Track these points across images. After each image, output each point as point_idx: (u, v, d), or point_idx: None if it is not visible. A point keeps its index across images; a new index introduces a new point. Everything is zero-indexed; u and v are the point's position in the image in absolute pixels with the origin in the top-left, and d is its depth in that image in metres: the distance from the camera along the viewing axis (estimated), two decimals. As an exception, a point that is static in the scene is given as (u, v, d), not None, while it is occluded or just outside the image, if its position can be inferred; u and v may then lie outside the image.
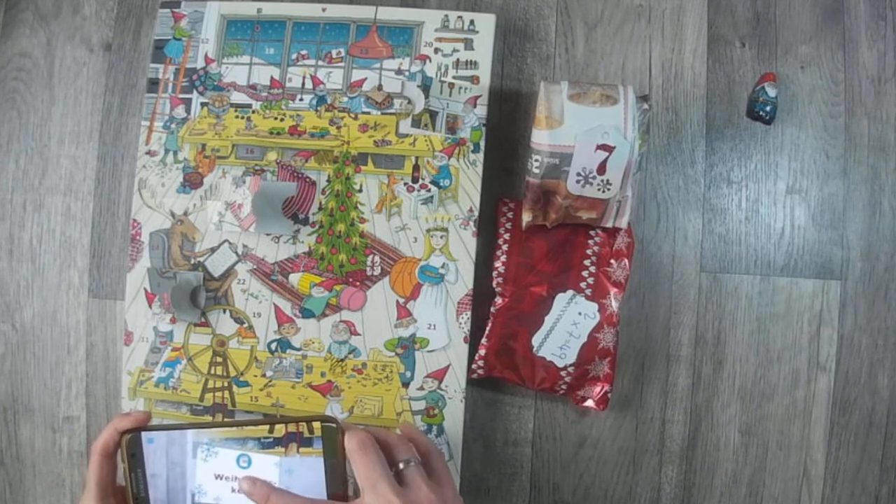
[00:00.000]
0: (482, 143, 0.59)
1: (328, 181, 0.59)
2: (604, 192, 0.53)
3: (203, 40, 0.61)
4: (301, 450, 0.45)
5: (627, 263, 0.58)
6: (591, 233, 0.59)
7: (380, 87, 0.60)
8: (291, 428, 0.45)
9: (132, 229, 0.60)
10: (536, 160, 0.52)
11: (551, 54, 0.63)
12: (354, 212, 0.59)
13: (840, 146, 0.62)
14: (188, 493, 0.45)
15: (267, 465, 0.45)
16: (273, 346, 0.59)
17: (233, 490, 0.45)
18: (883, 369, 0.61)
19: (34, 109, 0.65)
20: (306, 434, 0.45)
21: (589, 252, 0.58)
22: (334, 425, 0.45)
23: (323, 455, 0.45)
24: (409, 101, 0.60)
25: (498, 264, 0.58)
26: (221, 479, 0.45)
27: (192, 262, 0.59)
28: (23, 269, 0.64)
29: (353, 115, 0.60)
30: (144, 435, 0.45)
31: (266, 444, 0.45)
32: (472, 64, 0.59)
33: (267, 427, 0.45)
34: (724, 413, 0.61)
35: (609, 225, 0.56)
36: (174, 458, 0.45)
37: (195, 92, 0.61)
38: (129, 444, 0.45)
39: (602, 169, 0.52)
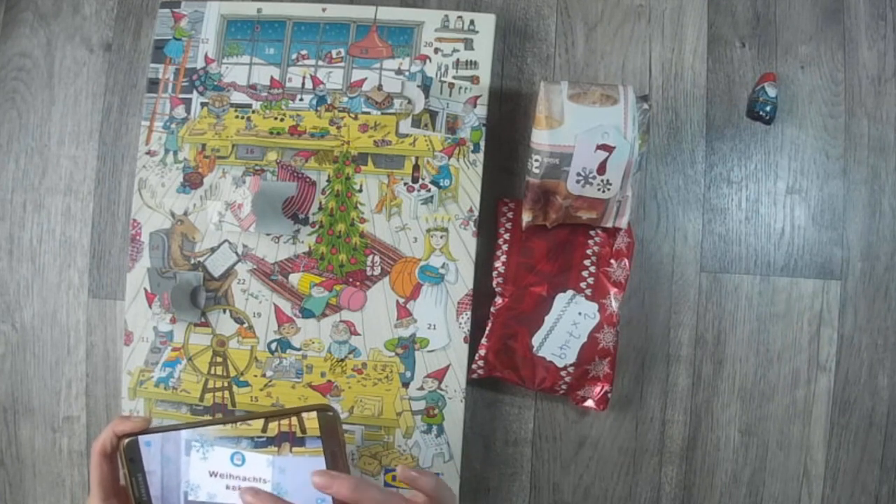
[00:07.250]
0: (482, 143, 0.59)
1: (328, 181, 0.59)
2: (604, 192, 0.53)
3: (203, 40, 0.61)
4: (294, 449, 0.45)
5: (627, 263, 0.58)
6: (591, 233, 0.59)
7: (380, 87, 0.60)
8: (284, 427, 0.45)
9: (132, 229, 0.60)
10: (536, 160, 0.52)
11: (551, 54, 0.63)
12: (354, 212, 0.59)
13: (840, 146, 0.62)
14: (181, 492, 0.45)
15: (260, 464, 0.45)
16: (273, 346, 0.59)
17: (227, 487, 0.45)
18: (883, 369, 0.61)
19: (34, 109, 0.65)
20: (299, 434, 0.45)
21: (589, 252, 0.58)
22: (331, 413, 0.45)
23: (322, 444, 0.45)
24: (409, 101, 0.60)
25: (498, 264, 0.58)
26: (216, 476, 0.45)
27: (192, 262, 0.59)
28: (23, 269, 0.64)
29: (353, 115, 0.60)
30: (142, 439, 0.45)
31: (259, 444, 0.45)
32: (472, 64, 0.59)
33: (260, 427, 0.45)
34: (724, 413, 0.61)
35: (609, 225, 0.56)
36: (169, 456, 0.45)
37: (195, 92, 0.61)
38: (128, 450, 0.45)
39: (602, 169, 0.52)
